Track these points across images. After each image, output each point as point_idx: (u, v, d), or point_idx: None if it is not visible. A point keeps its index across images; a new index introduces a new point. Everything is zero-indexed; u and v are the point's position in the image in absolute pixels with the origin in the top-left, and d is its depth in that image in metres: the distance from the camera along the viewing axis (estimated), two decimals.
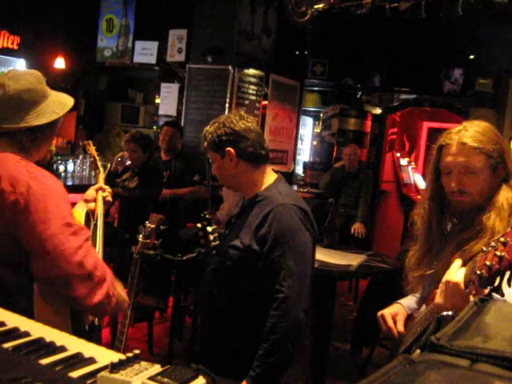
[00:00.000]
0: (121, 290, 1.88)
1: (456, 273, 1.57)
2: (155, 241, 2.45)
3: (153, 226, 2.42)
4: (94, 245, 2.17)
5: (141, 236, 2.43)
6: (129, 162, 4.99)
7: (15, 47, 7.04)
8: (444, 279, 1.61)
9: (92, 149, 2.70)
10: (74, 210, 2.25)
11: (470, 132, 1.82)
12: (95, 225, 2.26)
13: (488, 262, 1.36)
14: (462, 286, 1.53)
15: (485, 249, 1.42)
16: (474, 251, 1.70)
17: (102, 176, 2.51)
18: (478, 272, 1.39)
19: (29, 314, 1.41)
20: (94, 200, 2.34)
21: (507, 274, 1.37)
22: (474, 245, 1.74)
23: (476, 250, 1.69)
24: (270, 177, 2.26)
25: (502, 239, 1.36)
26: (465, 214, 1.90)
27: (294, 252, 2.07)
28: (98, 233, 2.23)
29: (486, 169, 1.80)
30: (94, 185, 2.42)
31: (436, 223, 1.97)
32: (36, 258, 1.65)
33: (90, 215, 2.18)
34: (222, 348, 2.23)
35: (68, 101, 1.94)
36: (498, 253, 1.35)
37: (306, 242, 2.12)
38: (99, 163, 2.64)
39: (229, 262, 2.19)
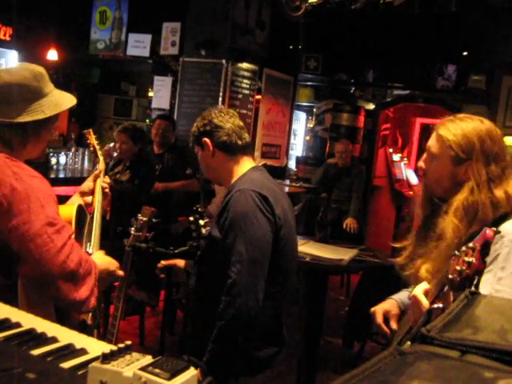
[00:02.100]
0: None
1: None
2: (147, 234, 2.45)
3: (145, 218, 2.42)
4: (89, 239, 2.13)
5: (133, 229, 2.43)
6: (115, 154, 4.97)
7: (7, 38, 6.97)
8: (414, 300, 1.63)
9: (92, 137, 2.63)
10: (68, 203, 2.22)
11: (449, 122, 1.87)
12: (91, 218, 2.20)
13: (458, 267, 1.40)
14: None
15: (457, 253, 1.44)
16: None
17: (102, 165, 2.46)
18: (450, 276, 1.42)
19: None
20: (92, 192, 2.30)
21: (476, 278, 1.41)
22: (433, 248, 1.82)
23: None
24: (245, 167, 2.26)
25: (471, 244, 1.39)
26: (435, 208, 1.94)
27: (245, 237, 2.03)
28: (94, 226, 2.18)
29: (445, 158, 1.84)
30: (87, 177, 2.37)
31: (423, 216, 2.00)
32: (21, 259, 1.63)
33: (83, 208, 2.13)
34: (204, 339, 2.23)
35: (65, 103, 1.88)
36: (467, 258, 1.38)
37: (260, 228, 2.06)
38: (99, 152, 2.57)
39: (201, 252, 2.24)
